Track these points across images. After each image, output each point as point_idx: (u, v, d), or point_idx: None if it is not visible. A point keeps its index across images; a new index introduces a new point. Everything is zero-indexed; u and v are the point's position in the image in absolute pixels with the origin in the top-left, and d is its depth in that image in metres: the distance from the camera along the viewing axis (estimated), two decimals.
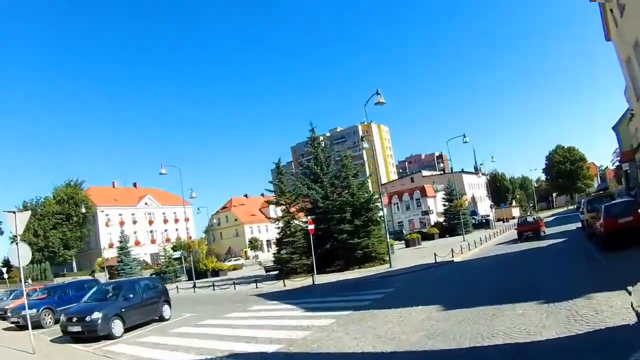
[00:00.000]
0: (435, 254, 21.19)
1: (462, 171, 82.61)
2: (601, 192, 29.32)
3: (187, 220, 64.09)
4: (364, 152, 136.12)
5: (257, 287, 22.24)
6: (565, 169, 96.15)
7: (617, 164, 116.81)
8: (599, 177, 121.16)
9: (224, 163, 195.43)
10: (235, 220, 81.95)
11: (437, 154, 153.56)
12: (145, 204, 77.36)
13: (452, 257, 22.03)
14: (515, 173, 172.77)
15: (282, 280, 22.39)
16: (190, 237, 55.32)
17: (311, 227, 23.27)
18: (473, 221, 50.20)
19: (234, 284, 24.74)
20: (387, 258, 24.20)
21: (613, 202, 17.41)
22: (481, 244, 28.68)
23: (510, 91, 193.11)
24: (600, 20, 22.43)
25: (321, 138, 31.78)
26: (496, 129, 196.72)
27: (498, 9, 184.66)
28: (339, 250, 25.83)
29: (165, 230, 78.27)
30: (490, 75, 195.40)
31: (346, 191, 26.50)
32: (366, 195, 26.82)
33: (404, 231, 57.33)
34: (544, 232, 28.86)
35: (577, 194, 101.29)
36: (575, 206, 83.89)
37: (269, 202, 34.15)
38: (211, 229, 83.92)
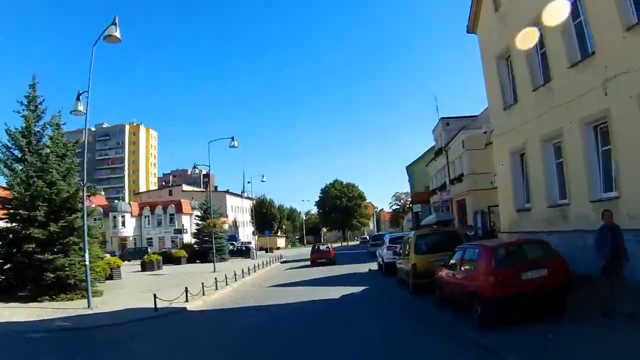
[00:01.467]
0: (155, 296, 12.96)
1: (227, 191, 77.48)
2: (436, 225, 24.69)
3: None
4: (126, 155, 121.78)
5: None
6: (341, 204, 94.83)
7: (396, 207, 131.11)
8: (375, 218, 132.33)
9: None
10: None
11: (204, 171, 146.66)
12: None
13: (186, 300, 14.31)
14: (287, 201, 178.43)
15: None
16: None
17: None
18: (231, 247, 44.03)
19: None
20: (99, 289, 15.70)
21: (498, 242, 11.42)
22: (235, 280, 20.98)
23: (300, 124, 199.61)
24: None
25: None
26: (285, 157, 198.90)
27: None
28: (28, 270, 15.95)
29: None
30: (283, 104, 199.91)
31: (45, 177, 16.58)
32: (71, 188, 17.17)
33: (149, 250, 47.40)
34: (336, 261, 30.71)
35: (350, 231, 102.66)
36: (360, 241, 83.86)
37: None
38: None
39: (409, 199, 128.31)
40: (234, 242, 53.39)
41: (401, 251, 15.65)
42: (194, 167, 34.77)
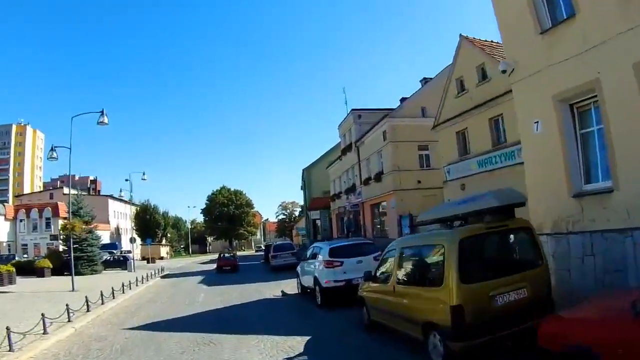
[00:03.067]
0: None
1: (111, 196, 69.56)
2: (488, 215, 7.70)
3: None
4: (11, 156, 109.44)
5: None
6: (228, 212, 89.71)
7: (282, 216, 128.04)
8: (262, 227, 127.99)
9: None
10: None
11: (92, 177, 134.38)
12: None
13: None
14: (173, 209, 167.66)
15: None
16: None
17: None
18: (106, 257, 38.11)
19: None
20: None
21: None
22: (88, 310, 13.67)
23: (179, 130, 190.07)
24: None
25: None
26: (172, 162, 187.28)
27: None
28: None
29: None
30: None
31: None
32: None
33: (18, 258, 39.48)
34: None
35: (237, 240, 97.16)
36: (255, 250, 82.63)
37: None
38: None
39: (298, 209, 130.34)
40: (113, 251, 47.18)
41: (377, 272, 8.91)
42: (52, 150, 19.16)
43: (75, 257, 29.71)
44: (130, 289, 20.79)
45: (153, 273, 29.43)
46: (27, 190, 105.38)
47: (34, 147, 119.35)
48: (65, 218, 51.91)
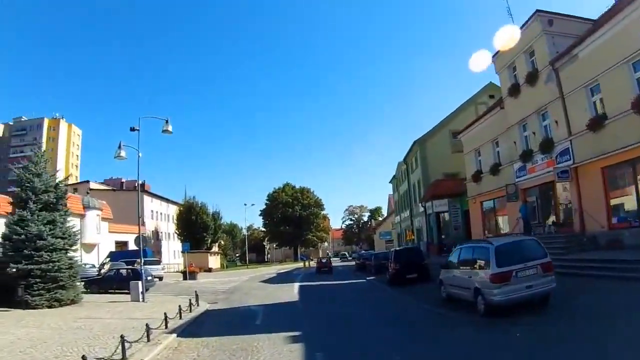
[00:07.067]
0: None
1: (146, 191, 55.66)
2: None
3: None
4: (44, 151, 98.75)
5: None
6: (293, 213, 74.52)
7: (349, 222, 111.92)
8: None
9: None
10: None
11: (141, 181, 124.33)
12: None
13: None
14: (227, 215, 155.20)
15: None
16: None
17: None
18: (110, 272, 22.76)
19: None
20: None
21: None
22: None
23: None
24: None
25: None
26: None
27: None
28: None
29: None
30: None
31: None
32: None
33: None
34: None
35: (304, 247, 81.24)
36: (350, 258, 66.57)
37: None
38: None
39: (366, 214, 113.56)
40: (134, 260, 32.23)
41: None
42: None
43: (17, 273, 14.52)
44: None
45: (176, 307, 13.92)
46: None
47: (68, 143, 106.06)
48: (78, 215, 37.80)
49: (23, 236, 15.45)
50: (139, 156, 19.16)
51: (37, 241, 15.51)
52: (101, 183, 65.55)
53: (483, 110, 29.13)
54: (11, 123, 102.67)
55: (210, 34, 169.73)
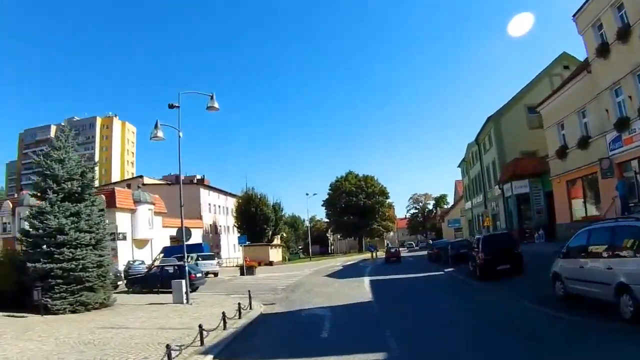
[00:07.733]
0: None
1: (202, 182, 54.09)
2: None
3: None
4: (96, 152, 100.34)
5: None
6: (357, 202, 71.02)
7: (414, 210, 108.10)
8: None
9: None
10: None
11: (199, 176, 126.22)
12: None
13: None
14: (288, 207, 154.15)
15: None
16: None
17: None
18: (153, 270, 20.30)
19: None
20: None
21: None
22: None
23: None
24: None
25: None
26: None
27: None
28: None
29: None
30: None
31: None
32: None
33: None
34: None
35: (368, 238, 77.72)
36: (423, 246, 63.36)
37: None
38: None
39: (431, 202, 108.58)
40: (192, 256, 30.18)
41: None
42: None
43: (36, 272, 12.02)
44: None
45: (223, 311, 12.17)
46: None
47: (123, 140, 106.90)
48: (129, 210, 36.21)
49: (41, 231, 12.99)
50: (179, 136, 16.50)
51: (58, 236, 13.01)
52: (159, 179, 65.05)
53: (558, 82, 25.86)
54: (63, 124, 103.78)
55: (277, 27, 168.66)
